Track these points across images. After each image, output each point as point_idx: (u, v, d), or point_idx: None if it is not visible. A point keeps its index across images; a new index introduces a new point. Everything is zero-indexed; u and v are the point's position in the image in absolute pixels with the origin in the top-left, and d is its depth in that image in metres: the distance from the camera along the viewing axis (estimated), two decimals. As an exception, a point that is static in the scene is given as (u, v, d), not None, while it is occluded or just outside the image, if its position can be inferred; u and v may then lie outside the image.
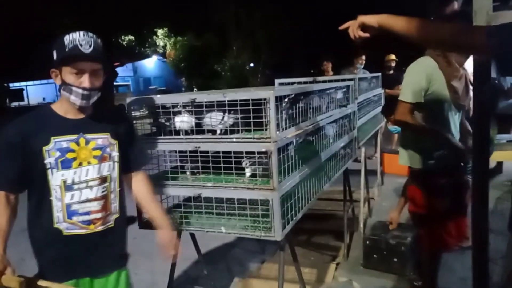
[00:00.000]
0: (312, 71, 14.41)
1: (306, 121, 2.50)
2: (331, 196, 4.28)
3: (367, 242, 3.31)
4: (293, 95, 2.17)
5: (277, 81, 4.36)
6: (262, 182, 2.03)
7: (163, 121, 2.20)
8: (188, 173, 2.26)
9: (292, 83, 4.17)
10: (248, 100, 1.97)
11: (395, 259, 3.16)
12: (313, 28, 20.98)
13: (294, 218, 2.18)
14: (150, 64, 31.45)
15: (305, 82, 4.14)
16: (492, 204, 4.33)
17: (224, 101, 2.02)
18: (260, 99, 1.95)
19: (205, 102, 2.06)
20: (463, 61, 2.44)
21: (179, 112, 2.17)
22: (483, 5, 1.94)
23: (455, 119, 2.52)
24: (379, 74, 5.91)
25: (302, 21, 20.04)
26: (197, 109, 2.14)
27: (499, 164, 5.05)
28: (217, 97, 2.03)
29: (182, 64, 22.18)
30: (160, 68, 31.29)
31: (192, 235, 2.61)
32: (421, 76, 2.39)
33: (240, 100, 1.99)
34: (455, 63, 2.41)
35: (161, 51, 24.47)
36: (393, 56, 6.86)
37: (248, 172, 2.12)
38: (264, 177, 2.05)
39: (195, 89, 20.73)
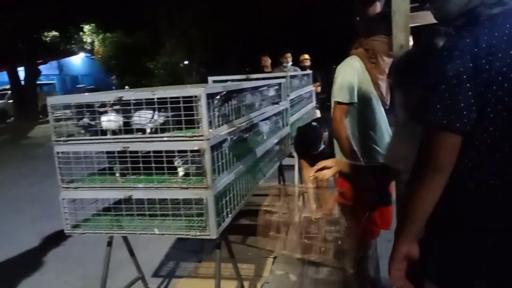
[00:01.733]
0: (247, 69, 14.51)
1: (239, 119, 2.50)
2: (267, 192, 4.32)
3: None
4: (225, 93, 2.16)
5: (210, 78, 4.33)
6: (195, 181, 2.00)
7: (88, 121, 2.09)
8: (117, 174, 2.17)
9: (226, 81, 4.16)
10: (179, 97, 1.93)
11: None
12: (247, 26, 21.12)
13: (230, 216, 2.18)
14: (77, 62, 29.88)
15: (239, 80, 4.15)
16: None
17: (153, 99, 1.96)
18: (191, 97, 1.92)
19: (133, 100, 1.98)
20: (388, 61, 2.53)
21: (106, 111, 2.07)
22: (402, 6, 2.05)
23: (385, 119, 2.59)
24: (310, 72, 6.08)
25: (235, 19, 20.11)
26: (125, 108, 2.06)
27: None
28: (146, 94, 1.96)
29: (112, 62, 21.30)
30: (89, 66, 29.83)
31: (125, 238, 2.51)
32: (353, 75, 2.44)
33: (171, 98, 1.95)
34: (381, 63, 2.50)
35: (88, 48, 23.36)
36: (307, 56, 7.07)
37: (181, 172, 2.08)
38: (197, 175, 2.02)
39: (126, 87, 20.02)
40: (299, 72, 5.73)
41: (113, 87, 20.34)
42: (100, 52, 22.31)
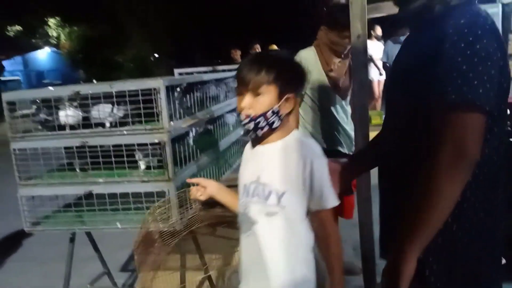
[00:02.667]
0: (219, 60, 14.44)
1: (203, 111, 2.49)
2: (236, 183, 4.34)
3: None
4: (185, 85, 2.15)
5: (176, 70, 4.29)
6: (157, 174, 1.99)
7: (45, 116, 2.04)
8: (77, 170, 2.14)
9: (192, 73, 4.13)
10: (137, 90, 1.91)
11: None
12: (216, 19, 20.98)
13: (193, 207, 2.18)
14: (43, 56, 28.98)
15: (206, 72, 4.13)
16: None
17: (112, 92, 1.93)
18: (151, 89, 1.91)
19: (90, 94, 1.95)
20: (344, 51, 2.55)
21: (64, 106, 2.03)
22: (358, -3, 2.08)
23: (339, 109, 2.63)
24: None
25: (202, 11, 19.95)
26: (84, 102, 2.03)
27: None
28: (103, 88, 1.94)
29: (79, 56, 20.80)
30: (55, 60, 28.93)
31: (89, 234, 2.48)
32: None
33: (130, 91, 1.92)
34: (326, 54, 2.51)
35: (54, 42, 22.73)
36: (275, 46, 7.06)
37: (142, 165, 2.07)
38: (159, 168, 2.01)
39: (94, 81, 19.63)
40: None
41: (81, 82, 19.86)
42: (66, 46, 21.75)
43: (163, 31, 19.72)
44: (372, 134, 5.39)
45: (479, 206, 1.13)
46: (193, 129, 2.61)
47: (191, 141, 2.48)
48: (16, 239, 3.91)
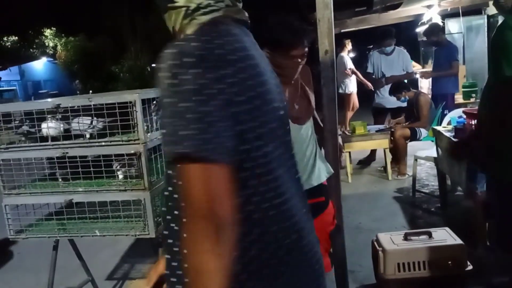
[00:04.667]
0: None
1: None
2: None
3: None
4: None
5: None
6: (134, 183, 2.09)
7: (28, 128, 2.15)
8: (59, 179, 2.23)
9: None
10: (115, 103, 2.01)
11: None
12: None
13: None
14: (40, 67, 29.13)
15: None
16: (367, 187, 4.84)
17: (91, 105, 2.04)
18: (127, 102, 2.01)
19: (70, 107, 2.06)
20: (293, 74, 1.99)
21: (46, 118, 2.14)
22: (325, 14, 2.20)
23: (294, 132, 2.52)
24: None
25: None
26: (64, 114, 2.13)
27: (373, 151, 5.63)
28: (83, 101, 2.04)
29: (76, 66, 20.94)
30: (51, 71, 29.09)
31: (72, 242, 2.57)
32: None
33: (107, 104, 2.03)
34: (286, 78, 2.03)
35: (51, 52, 22.85)
36: None
37: (120, 175, 2.17)
38: (136, 178, 2.11)
39: (90, 91, 19.74)
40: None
41: (77, 92, 19.97)
42: (63, 56, 21.87)
43: (161, 43, 19.90)
44: (357, 145, 5.43)
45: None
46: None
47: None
48: (8, 249, 3.99)
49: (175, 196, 0.88)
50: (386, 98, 5.41)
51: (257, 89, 0.86)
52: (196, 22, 0.89)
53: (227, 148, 0.78)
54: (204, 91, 0.77)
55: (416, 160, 4.35)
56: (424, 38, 6.54)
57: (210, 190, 0.76)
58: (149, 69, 21.87)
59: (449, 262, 2.24)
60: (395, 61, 5.57)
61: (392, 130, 4.98)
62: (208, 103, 0.77)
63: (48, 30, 20.39)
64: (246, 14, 0.97)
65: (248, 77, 0.84)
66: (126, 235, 2.10)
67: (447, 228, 2.49)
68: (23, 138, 2.22)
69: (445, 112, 4.87)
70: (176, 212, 0.88)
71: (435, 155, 3.92)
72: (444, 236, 2.38)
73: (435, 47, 5.68)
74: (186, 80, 0.77)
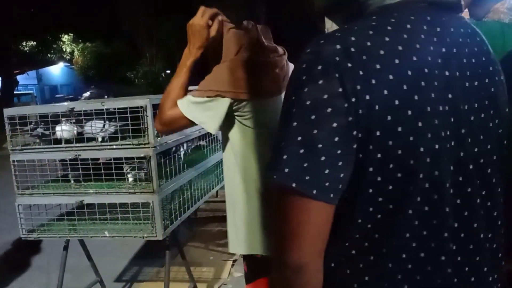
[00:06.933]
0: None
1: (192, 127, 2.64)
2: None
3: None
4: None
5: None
6: (143, 186, 2.14)
7: (42, 130, 2.21)
8: (72, 181, 2.29)
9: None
10: (126, 108, 2.07)
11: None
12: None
13: (179, 219, 2.31)
14: (57, 71, 29.70)
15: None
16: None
17: (103, 109, 2.09)
18: (138, 107, 2.06)
19: (83, 111, 2.12)
20: None
21: (60, 121, 2.20)
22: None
23: None
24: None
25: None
26: (79, 118, 2.19)
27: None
28: (96, 106, 2.10)
29: (92, 71, 21.32)
30: (68, 75, 29.66)
31: (82, 242, 2.62)
32: None
33: (119, 108, 2.08)
34: None
35: (68, 57, 23.30)
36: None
37: (130, 178, 2.22)
38: (145, 181, 2.16)
39: (105, 96, 20.04)
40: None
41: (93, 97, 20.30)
42: (79, 61, 22.30)
43: (176, 48, 20.15)
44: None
45: None
46: (184, 145, 2.76)
47: (182, 156, 2.63)
48: (21, 250, 4.07)
49: None
50: None
51: None
52: None
53: None
54: None
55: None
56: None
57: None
58: (163, 75, 22.15)
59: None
60: None
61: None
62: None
63: (66, 36, 20.80)
64: None
65: None
66: (135, 236, 2.14)
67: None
68: (37, 140, 2.28)
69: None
70: None
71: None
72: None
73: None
74: None
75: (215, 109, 1.43)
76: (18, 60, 18.49)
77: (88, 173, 2.16)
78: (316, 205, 0.66)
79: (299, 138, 0.65)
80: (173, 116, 1.44)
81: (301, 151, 0.64)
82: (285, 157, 0.65)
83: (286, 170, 0.65)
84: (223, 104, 1.43)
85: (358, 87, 0.64)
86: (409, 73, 0.66)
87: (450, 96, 0.69)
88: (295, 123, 0.65)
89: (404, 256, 0.70)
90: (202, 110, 1.43)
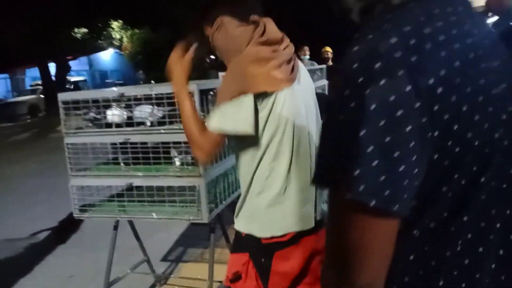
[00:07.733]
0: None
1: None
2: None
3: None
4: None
5: (220, 74, 4.49)
6: (190, 170, 2.17)
7: (94, 115, 2.29)
8: (122, 164, 2.37)
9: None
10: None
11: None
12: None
13: (224, 202, 2.34)
14: (107, 57, 30.72)
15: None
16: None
17: (152, 95, 2.13)
18: (186, 92, 2.08)
19: (133, 96, 2.17)
20: None
21: (111, 106, 2.27)
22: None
23: None
24: (324, 66, 6.16)
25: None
26: (128, 103, 2.25)
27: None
28: (144, 91, 2.14)
29: (139, 57, 21.85)
30: (117, 61, 30.62)
31: (131, 223, 2.72)
32: None
33: (167, 94, 2.11)
34: None
35: (117, 44, 23.97)
36: (328, 48, 7.11)
37: (177, 162, 2.26)
38: (192, 165, 2.19)
39: (152, 81, 20.54)
40: (310, 66, 5.83)
41: (141, 82, 20.85)
42: (128, 48, 22.91)
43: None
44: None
45: None
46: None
47: (226, 141, 2.63)
48: (73, 227, 4.29)
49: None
50: None
51: None
52: None
53: None
54: None
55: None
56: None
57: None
58: (208, 60, 22.37)
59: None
60: None
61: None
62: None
63: (115, 23, 21.37)
64: None
65: None
66: (181, 219, 2.19)
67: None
68: (90, 124, 2.37)
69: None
70: None
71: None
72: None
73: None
74: None
75: (244, 107, 1.37)
76: (71, 47, 19.23)
77: (137, 156, 2.22)
78: (394, 221, 0.60)
79: (370, 149, 0.56)
80: (211, 139, 1.42)
81: (375, 163, 0.56)
82: (357, 172, 0.57)
83: (362, 187, 0.57)
84: (249, 100, 1.39)
85: (430, 81, 0.57)
86: (471, 56, 0.62)
87: (507, 78, 0.66)
88: (362, 133, 0.57)
89: (459, 249, 0.66)
90: (232, 115, 1.39)
